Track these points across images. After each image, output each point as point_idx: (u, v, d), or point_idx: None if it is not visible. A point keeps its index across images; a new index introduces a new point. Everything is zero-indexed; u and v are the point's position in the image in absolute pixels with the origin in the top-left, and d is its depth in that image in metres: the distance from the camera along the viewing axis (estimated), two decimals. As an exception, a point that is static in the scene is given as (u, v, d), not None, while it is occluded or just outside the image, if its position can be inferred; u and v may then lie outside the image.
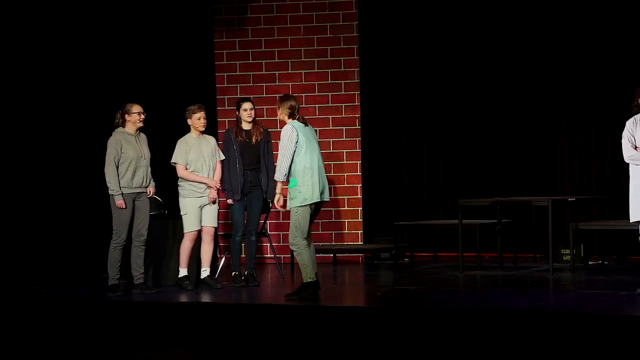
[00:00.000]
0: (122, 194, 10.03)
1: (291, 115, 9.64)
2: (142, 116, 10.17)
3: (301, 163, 9.46)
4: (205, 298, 9.97)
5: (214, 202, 10.52)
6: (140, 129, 10.22)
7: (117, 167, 10.04)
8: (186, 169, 10.44)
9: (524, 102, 13.24)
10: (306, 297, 9.39)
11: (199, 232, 10.53)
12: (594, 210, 12.89)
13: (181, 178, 10.48)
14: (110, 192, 10.04)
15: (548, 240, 11.18)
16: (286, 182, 9.49)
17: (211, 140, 10.63)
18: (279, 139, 9.47)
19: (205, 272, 10.58)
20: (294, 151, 9.44)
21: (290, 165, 9.45)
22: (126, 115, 10.15)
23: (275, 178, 9.64)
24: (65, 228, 11.91)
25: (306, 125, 9.65)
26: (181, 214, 10.51)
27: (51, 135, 11.94)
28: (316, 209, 9.61)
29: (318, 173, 9.50)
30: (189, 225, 10.47)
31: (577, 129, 13.07)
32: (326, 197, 9.62)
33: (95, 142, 11.59)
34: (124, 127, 10.17)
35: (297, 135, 9.46)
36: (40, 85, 11.88)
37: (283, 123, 9.80)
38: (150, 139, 10.48)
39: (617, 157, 12.77)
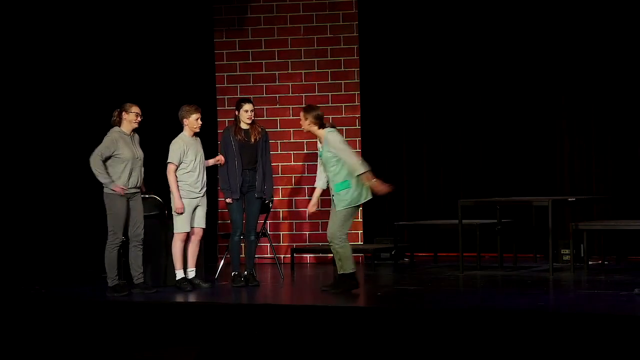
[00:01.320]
0: (113, 181, 9.95)
1: (321, 125, 9.74)
2: (139, 118, 10.11)
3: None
4: (205, 298, 9.95)
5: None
6: (134, 130, 10.17)
7: (104, 162, 9.94)
8: (175, 172, 10.38)
9: (524, 103, 13.23)
10: (350, 287, 9.82)
11: (189, 232, 10.50)
12: (594, 210, 12.89)
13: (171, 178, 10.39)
14: (103, 181, 9.87)
15: (548, 240, 11.17)
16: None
17: (199, 140, 10.58)
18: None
19: (192, 272, 10.55)
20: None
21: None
22: (124, 114, 10.07)
23: (361, 171, 9.70)
24: (66, 228, 11.90)
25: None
26: (174, 214, 10.46)
27: (51, 135, 11.93)
28: None
29: None
30: (181, 226, 10.42)
31: (577, 129, 13.06)
32: None
33: (95, 142, 11.60)
34: (119, 126, 10.12)
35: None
36: (39, 84, 11.88)
37: (311, 135, 9.90)
38: (149, 138, 10.45)
39: (617, 157, 12.80)
